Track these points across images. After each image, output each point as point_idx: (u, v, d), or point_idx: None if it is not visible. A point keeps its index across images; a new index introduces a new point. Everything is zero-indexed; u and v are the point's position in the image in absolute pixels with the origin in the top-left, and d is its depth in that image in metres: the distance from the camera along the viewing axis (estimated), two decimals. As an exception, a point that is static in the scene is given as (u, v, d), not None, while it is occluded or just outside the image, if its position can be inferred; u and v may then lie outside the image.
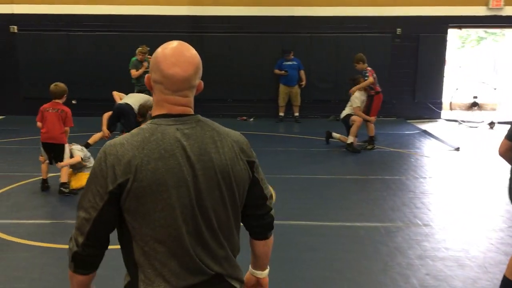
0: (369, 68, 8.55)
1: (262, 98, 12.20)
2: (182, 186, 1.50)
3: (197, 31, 11.90)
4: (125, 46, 11.14)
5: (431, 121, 11.99)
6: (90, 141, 7.11)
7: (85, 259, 1.54)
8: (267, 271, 1.89)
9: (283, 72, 11.48)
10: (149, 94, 9.50)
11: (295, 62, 11.56)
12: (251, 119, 12.04)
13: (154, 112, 1.61)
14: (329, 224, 4.97)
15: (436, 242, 4.53)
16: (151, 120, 1.59)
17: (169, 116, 1.56)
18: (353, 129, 8.38)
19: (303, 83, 11.69)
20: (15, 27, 11.91)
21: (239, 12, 11.85)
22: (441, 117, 12.31)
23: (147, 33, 11.58)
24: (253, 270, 1.89)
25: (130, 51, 10.05)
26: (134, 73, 9.67)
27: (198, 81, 1.61)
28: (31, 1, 11.82)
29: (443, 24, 11.89)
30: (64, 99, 5.96)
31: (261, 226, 1.76)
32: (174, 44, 1.59)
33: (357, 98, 8.47)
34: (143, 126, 1.58)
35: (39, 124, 5.92)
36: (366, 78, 8.43)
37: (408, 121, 11.84)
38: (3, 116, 12.03)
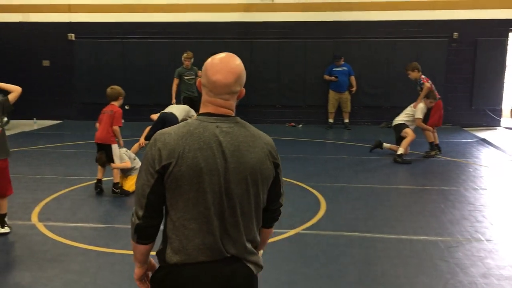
0: (423, 76, 8.31)
1: (311, 104, 12.07)
2: (214, 175, 1.76)
3: (247, 37, 11.94)
4: (177, 53, 11.27)
5: (489, 129, 11.44)
6: (132, 150, 7.23)
7: (146, 230, 1.82)
8: (261, 252, 2.12)
9: (333, 78, 11.30)
10: (193, 101, 9.55)
11: (345, 68, 11.36)
12: (300, 125, 11.92)
13: (201, 110, 1.89)
14: (383, 237, 4.77)
15: (501, 260, 4.24)
16: (197, 117, 1.87)
17: (212, 115, 1.84)
18: (406, 141, 8.09)
19: (354, 89, 11.47)
20: (73, 34, 12.38)
21: (289, 18, 11.78)
22: (501, 125, 11.73)
23: (198, 40, 11.75)
24: None
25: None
26: (175, 82, 9.80)
27: (239, 88, 1.86)
28: (87, 10, 12.25)
29: (503, 27, 11.36)
30: (120, 101, 6.09)
31: (270, 217, 2.03)
32: (222, 55, 1.86)
33: (421, 109, 8.19)
34: (189, 120, 1.87)
35: (96, 125, 6.12)
36: (420, 87, 8.21)
37: (465, 128, 11.36)
38: (61, 121, 12.49)
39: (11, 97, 4.67)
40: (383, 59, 11.67)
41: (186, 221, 1.77)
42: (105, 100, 6.12)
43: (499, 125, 11.72)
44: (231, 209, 1.79)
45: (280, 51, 11.91)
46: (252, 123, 1.96)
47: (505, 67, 11.68)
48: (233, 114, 1.88)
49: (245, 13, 11.88)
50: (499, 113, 11.77)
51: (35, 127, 11.72)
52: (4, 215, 4.71)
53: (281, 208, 2.04)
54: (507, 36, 11.45)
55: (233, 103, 1.87)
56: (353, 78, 11.43)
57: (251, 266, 1.89)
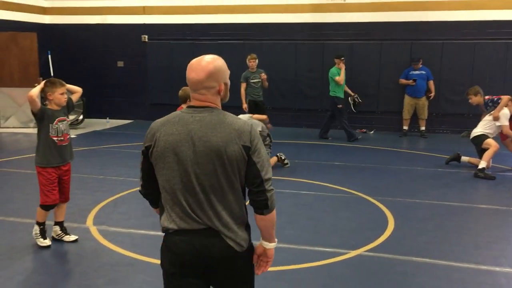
0: (487, 97, 7.70)
1: (385, 110, 11.42)
2: (182, 157, 2.04)
3: (319, 38, 11.53)
4: (247, 54, 11.11)
5: None
6: None
7: (146, 196, 2.29)
8: (273, 244, 2.23)
9: (410, 81, 10.59)
10: (257, 104, 9.25)
11: (423, 72, 10.62)
12: (371, 132, 11.30)
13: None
14: (460, 266, 4.19)
15: None
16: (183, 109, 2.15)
17: (192, 107, 2.12)
18: (488, 153, 7.31)
19: (432, 94, 10.71)
20: (146, 36, 12.60)
21: (364, 18, 11.21)
22: None
23: (269, 41, 11.52)
24: (261, 241, 2.24)
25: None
26: (243, 86, 9.39)
27: (215, 84, 2.09)
28: (160, 12, 12.43)
29: None
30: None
31: (256, 201, 2.10)
32: (199, 57, 2.12)
33: (505, 115, 7.42)
34: (175, 112, 2.16)
35: None
36: (495, 105, 7.51)
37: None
38: (132, 120, 12.78)
39: (74, 98, 4.78)
40: (465, 62, 10.77)
41: (167, 194, 2.09)
42: (176, 101, 5.94)
43: None
44: (200, 185, 2.03)
45: (353, 54, 11.35)
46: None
47: None
48: (214, 106, 2.10)
49: (316, 14, 11.46)
50: None
51: (108, 126, 12.04)
52: (63, 222, 4.68)
53: (268, 194, 2.07)
54: None
55: (211, 97, 2.10)
56: (431, 83, 10.67)
57: (230, 242, 2.06)
